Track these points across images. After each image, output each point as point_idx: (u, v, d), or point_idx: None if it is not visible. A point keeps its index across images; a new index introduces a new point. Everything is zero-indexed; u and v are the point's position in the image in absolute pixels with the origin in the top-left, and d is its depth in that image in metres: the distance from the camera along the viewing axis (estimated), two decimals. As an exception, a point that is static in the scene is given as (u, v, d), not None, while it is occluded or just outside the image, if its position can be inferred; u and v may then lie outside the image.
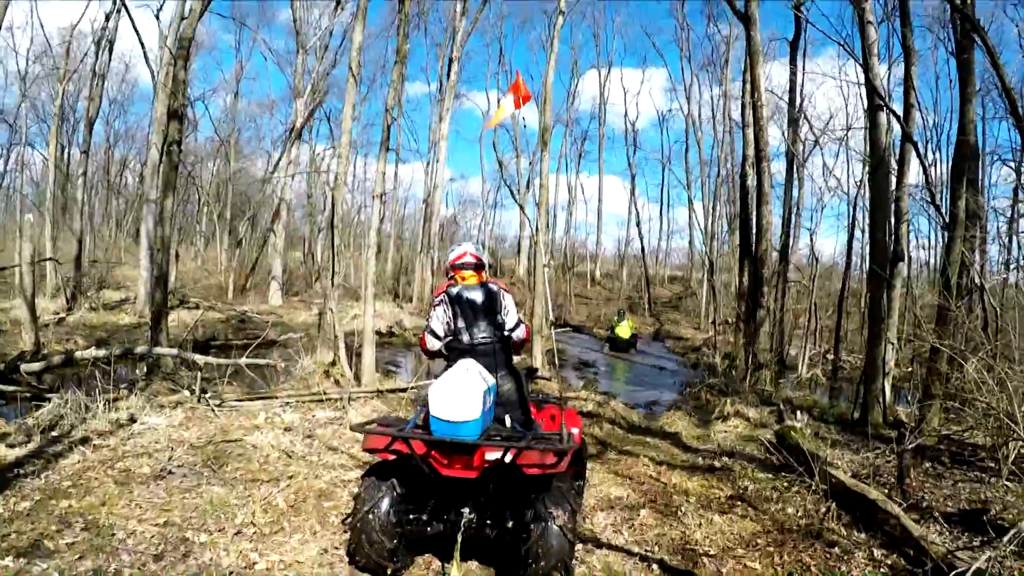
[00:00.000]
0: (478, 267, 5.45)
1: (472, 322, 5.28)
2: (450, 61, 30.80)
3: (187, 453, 7.08)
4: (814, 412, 12.53)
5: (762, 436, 10.13)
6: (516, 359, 5.83)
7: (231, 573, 4.65)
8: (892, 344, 11.90)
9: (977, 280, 10.69)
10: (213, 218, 39.01)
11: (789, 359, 20.32)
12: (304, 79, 28.22)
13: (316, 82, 28.69)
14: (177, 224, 42.53)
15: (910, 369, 14.25)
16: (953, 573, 4.41)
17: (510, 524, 4.68)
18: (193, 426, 8.15)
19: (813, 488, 7.27)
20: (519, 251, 43.27)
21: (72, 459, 6.60)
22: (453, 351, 5.28)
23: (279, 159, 31.70)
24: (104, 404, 8.10)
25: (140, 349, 11.17)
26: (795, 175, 23.41)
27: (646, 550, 5.86)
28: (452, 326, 5.37)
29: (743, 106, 19.58)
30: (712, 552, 5.83)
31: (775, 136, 27.68)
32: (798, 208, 24.53)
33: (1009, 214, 18.92)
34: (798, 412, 10.51)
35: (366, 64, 36.51)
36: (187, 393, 9.36)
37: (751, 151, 16.48)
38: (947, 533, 6.05)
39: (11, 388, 9.24)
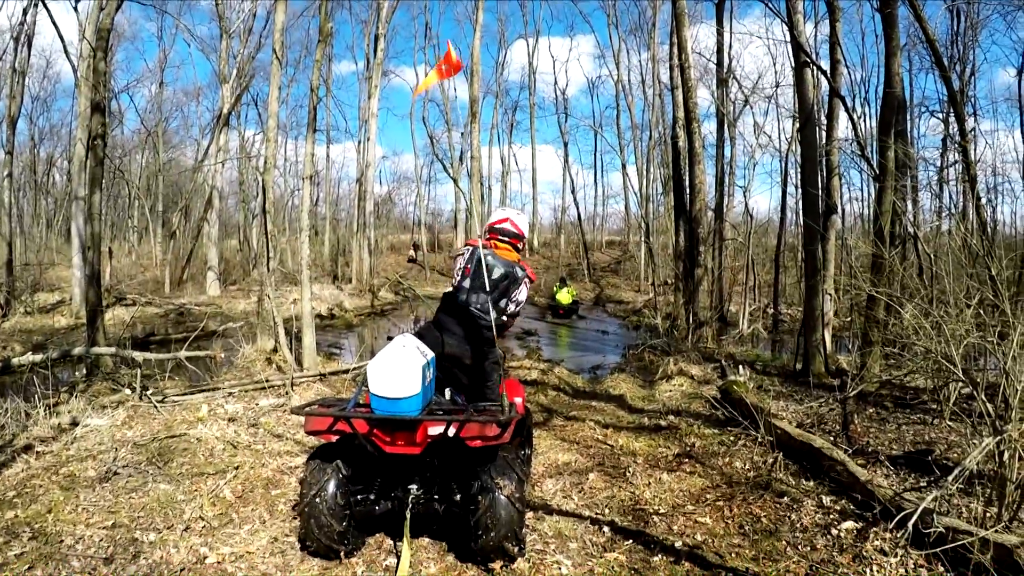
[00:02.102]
0: (516, 238, 5.37)
1: (476, 289, 5.16)
2: (376, 38, 30.18)
3: (131, 452, 6.92)
4: (756, 366, 12.69)
5: (706, 393, 10.17)
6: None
7: (182, 570, 4.55)
8: (830, 295, 12.05)
9: (910, 229, 10.83)
10: (145, 211, 38.01)
11: (730, 316, 20.59)
12: (229, 64, 27.29)
13: (241, 66, 27.86)
14: (109, 220, 41.80)
15: (849, 319, 14.46)
16: (901, 514, 4.38)
17: (458, 497, 4.64)
18: (136, 424, 7.97)
19: (759, 440, 7.29)
20: (455, 225, 42.92)
21: (15, 468, 6.42)
22: (444, 303, 5.25)
23: (208, 147, 30.99)
24: (45, 409, 7.89)
25: (78, 350, 10.76)
26: (726, 134, 23.59)
27: (597, 513, 5.82)
28: (458, 281, 5.26)
29: (671, 69, 19.48)
30: (662, 510, 5.79)
31: (705, 97, 27.86)
32: (731, 167, 24.72)
33: (939, 164, 19.40)
34: (740, 367, 10.58)
35: (291, 46, 35.88)
36: (128, 391, 9.14)
37: (681, 113, 16.43)
38: (894, 476, 6.08)
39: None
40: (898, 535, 4.56)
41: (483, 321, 5.05)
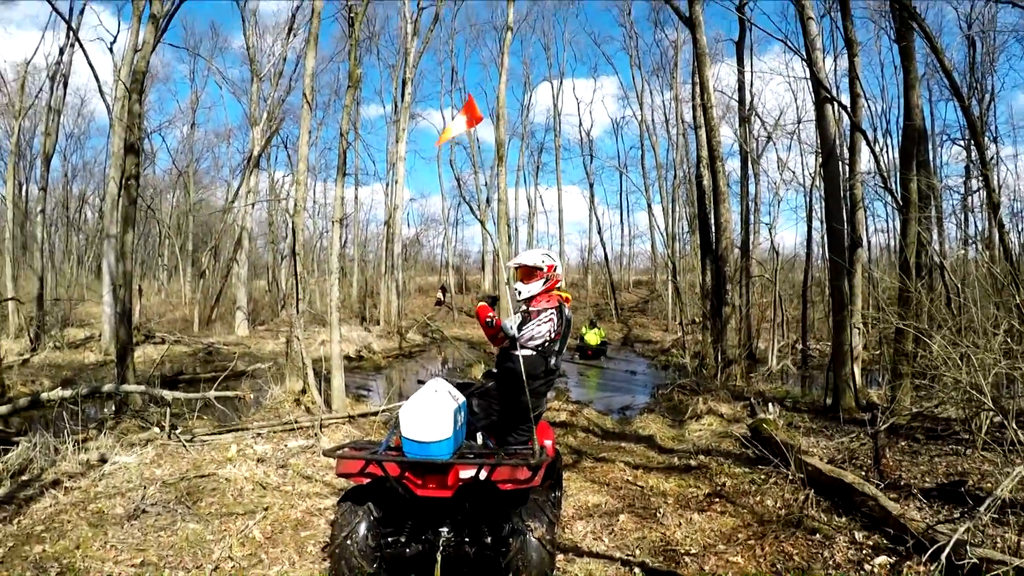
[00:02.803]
0: (556, 278, 5.34)
1: (562, 350, 5.24)
2: (403, 82, 30.69)
3: (160, 491, 6.91)
4: (786, 403, 12.56)
5: (736, 431, 10.07)
6: None
7: None
8: (858, 329, 11.97)
9: (936, 258, 10.79)
10: (175, 250, 38.41)
11: (759, 352, 20.42)
12: (260, 106, 27.91)
13: (272, 109, 28.32)
14: (139, 258, 41.83)
15: (879, 352, 14.33)
16: (934, 547, 4.34)
17: (489, 540, 4.62)
18: (165, 463, 7.98)
19: (790, 478, 7.22)
20: (483, 266, 43.19)
21: (44, 503, 6.44)
22: (522, 363, 4.87)
23: (238, 188, 31.24)
24: (73, 445, 7.92)
25: (107, 387, 10.81)
26: (750, 171, 23.68)
27: (627, 554, 5.79)
28: (548, 344, 5.13)
29: (694, 108, 19.74)
30: (693, 551, 5.76)
31: (728, 135, 27.94)
32: (756, 204, 24.76)
33: (962, 192, 19.27)
34: (770, 404, 10.49)
35: (320, 89, 36.38)
36: (157, 430, 9.15)
37: (705, 152, 16.62)
38: (927, 508, 6.00)
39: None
40: (932, 568, 4.52)
41: (557, 376, 5.16)
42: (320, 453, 8.46)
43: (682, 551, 5.77)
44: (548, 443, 5.50)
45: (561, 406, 13.56)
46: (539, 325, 5.07)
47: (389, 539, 4.70)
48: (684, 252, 32.48)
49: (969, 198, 20.44)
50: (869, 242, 25.87)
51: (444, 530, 4.69)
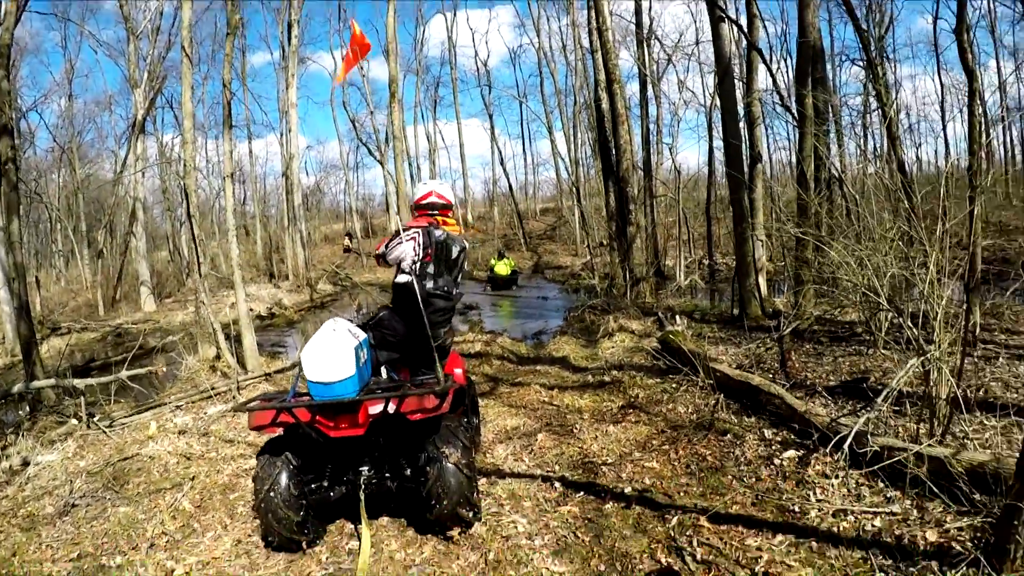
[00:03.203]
0: (447, 208, 5.27)
1: (441, 272, 5.07)
2: (290, 25, 29.37)
3: (86, 482, 6.76)
4: (695, 316, 12.88)
5: (647, 346, 10.28)
6: None
7: None
8: (761, 241, 12.26)
9: (835, 172, 11.08)
10: (69, 234, 35.89)
11: (667, 270, 20.88)
12: (139, 67, 25.79)
13: (152, 68, 26.33)
14: (32, 248, 39.82)
15: (782, 263, 14.77)
16: (837, 438, 4.51)
17: (408, 472, 4.67)
18: (87, 453, 7.81)
19: (700, 384, 7.40)
20: (387, 208, 42.39)
21: None
22: (402, 291, 5.06)
23: (125, 157, 29.58)
24: None
25: (17, 388, 10.23)
26: (650, 93, 23.74)
27: (547, 471, 5.88)
28: (419, 268, 5.05)
29: (590, 32, 19.46)
30: (610, 460, 5.86)
31: (628, 59, 27.90)
32: (658, 125, 24.86)
33: (862, 109, 19.83)
34: (678, 317, 10.71)
35: (202, 41, 34.44)
36: (74, 421, 8.88)
37: (602, 76, 16.43)
38: (831, 404, 6.24)
39: None
40: (837, 458, 4.69)
41: (450, 302, 5.01)
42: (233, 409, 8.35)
43: (599, 462, 5.87)
44: (458, 371, 5.59)
45: (475, 337, 13.56)
46: (400, 244, 5.01)
47: (313, 486, 4.69)
48: (589, 177, 32.65)
49: (868, 116, 21.07)
50: (770, 157, 26.50)
51: (364, 469, 4.73)
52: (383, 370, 4.97)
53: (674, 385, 7.92)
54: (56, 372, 11.99)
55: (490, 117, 43.39)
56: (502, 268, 24.83)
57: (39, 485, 6.91)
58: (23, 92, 34.47)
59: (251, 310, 23.25)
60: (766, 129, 21.95)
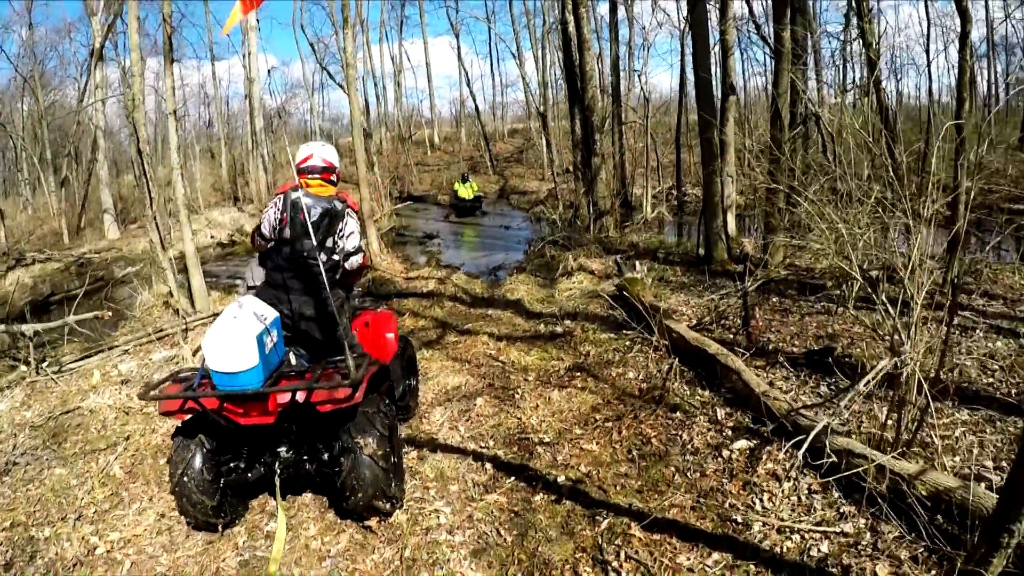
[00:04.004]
0: (327, 171, 4.71)
1: (299, 236, 4.52)
2: (246, -56, 27.40)
3: (30, 436, 6.64)
4: (659, 254, 12.32)
5: (606, 290, 9.71)
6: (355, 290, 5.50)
7: (75, 564, 4.44)
8: (731, 177, 11.61)
9: (812, 108, 10.42)
10: (34, 162, 34.76)
11: (635, 199, 20.16)
12: None
13: None
14: None
15: (753, 197, 14.15)
16: (794, 440, 4.00)
17: (326, 456, 4.43)
18: (35, 402, 7.63)
19: (655, 345, 6.86)
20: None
21: None
22: (270, 262, 4.68)
23: (85, 84, 28.54)
24: None
25: None
26: (621, 15, 22.63)
27: (482, 445, 5.52)
28: (277, 232, 4.62)
29: (557, -52, 18.24)
30: (548, 438, 5.42)
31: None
32: (630, 48, 23.74)
33: (842, 38, 18.93)
34: (637, 263, 10.13)
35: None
36: (24, 368, 8.66)
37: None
38: (793, 379, 5.72)
39: None
40: (790, 456, 4.20)
41: (315, 269, 4.42)
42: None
43: (536, 440, 5.43)
44: (390, 335, 5.39)
45: (431, 272, 13.05)
46: (265, 213, 4.72)
47: (230, 465, 4.50)
48: (558, 100, 31.39)
49: (848, 45, 20.14)
50: (745, 85, 25.61)
51: (282, 450, 4.50)
52: (291, 355, 4.50)
53: (627, 343, 7.37)
54: (16, 313, 12.18)
55: (457, 37, 41.48)
56: (465, 191, 24.05)
57: None
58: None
59: (212, 237, 22.79)
60: (741, 56, 21.06)
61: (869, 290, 4.15)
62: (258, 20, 29.28)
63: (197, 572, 4.23)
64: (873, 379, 3.83)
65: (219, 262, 18.36)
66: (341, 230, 4.61)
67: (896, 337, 3.81)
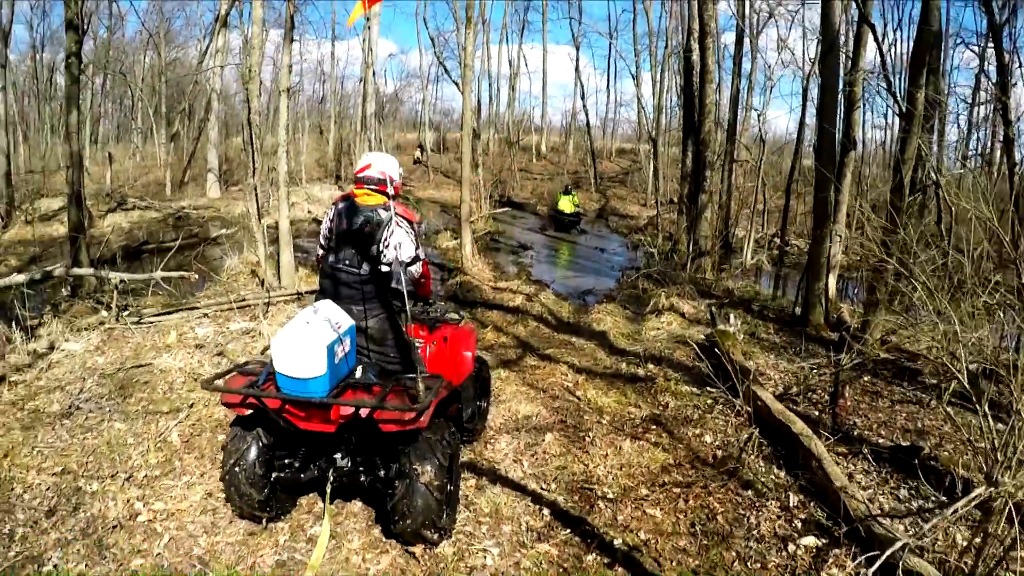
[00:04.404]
0: (382, 183, 4.56)
1: (341, 245, 4.54)
2: (372, -68, 28.05)
3: (97, 384, 6.83)
4: (754, 306, 12.01)
5: (695, 336, 9.49)
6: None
7: (115, 527, 4.52)
8: (839, 236, 11.23)
9: (933, 175, 9.97)
10: (149, 113, 36.70)
11: (736, 241, 19.74)
12: None
13: None
14: (115, 121, 42.82)
15: (859, 259, 13.61)
16: (865, 556, 3.79)
17: (382, 473, 4.40)
18: (109, 349, 7.86)
19: (737, 410, 6.67)
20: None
21: None
22: (321, 270, 4.73)
23: (206, 48, 30.06)
24: (25, 334, 7.89)
25: (58, 271, 10.30)
26: (746, 49, 22.08)
27: (543, 487, 5.40)
28: (327, 240, 4.68)
29: (688, -27, 17.96)
30: (611, 494, 5.29)
31: (726, 10, 26.01)
32: (750, 84, 23.18)
33: (970, 100, 18.06)
34: (731, 316, 9.86)
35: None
36: (105, 313, 9.03)
37: (696, 24, 15.12)
38: (874, 474, 5.46)
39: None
40: (860, 568, 4.00)
41: (351, 275, 4.47)
42: (261, 339, 8.45)
43: (600, 493, 5.30)
44: (467, 354, 5.41)
45: (520, 286, 13.06)
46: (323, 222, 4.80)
47: (285, 462, 4.53)
48: (671, 127, 30.94)
49: (976, 108, 19.21)
50: (864, 139, 24.71)
51: (338, 457, 4.52)
52: (359, 369, 4.44)
53: (709, 402, 7.19)
54: (112, 254, 12.77)
55: (577, 49, 41.53)
56: (566, 205, 24.00)
57: (55, 376, 7.03)
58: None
59: (309, 212, 23.41)
60: (864, 108, 20.36)
61: (970, 390, 3.90)
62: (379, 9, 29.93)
63: (232, 561, 4.25)
64: (963, 508, 3.60)
65: (311, 238, 18.73)
66: (386, 239, 4.44)
67: (993, 461, 3.58)
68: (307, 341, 3.88)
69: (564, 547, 4.54)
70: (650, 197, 28.93)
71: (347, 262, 4.49)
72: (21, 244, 17.32)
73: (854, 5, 11.84)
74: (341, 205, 4.59)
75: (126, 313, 8.99)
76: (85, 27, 14.50)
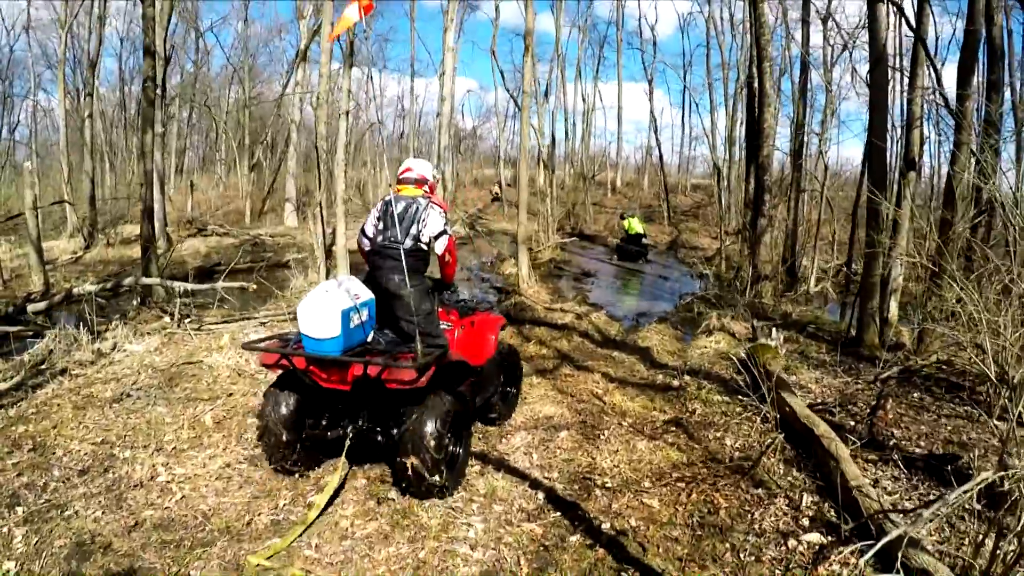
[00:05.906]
0: (419, 182, 5.45)
1: (388, 226, 5.24)
2: (455, -30, 28.66)
3: (150, 376, 7.26)
4: (809, 328, 11.50)
5: (735, 353, 9.15)
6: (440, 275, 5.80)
7: (136, 486, 4.94)
8: (901, 259, 10.69)
9: (998, 195, 9.45)
10: (232, 145, 38.71)
11: (802, 270, 19.11)
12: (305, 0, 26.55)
13: (318, 3, 26.88)
14: (200, 153, 45.69)
15: (921, 282, 12.95)
16: (861, 544, 3.47)
17: (394, 432, 4.82)
18: (167, 350, 8.30)
19: (764, 415, 6.33)
20: (539, 163, 41.87)
21: (46, 389, 6.91)
22: (369, 254, 5.38)
23: (287, 82, 31.54)
24: (93, 336, 8.37)
25: (128, 280, 11.49)
26: (810, 76, 21.58)
27: (544, 475, 5.35)
28: (375, 228, 5.36)
29: (754, 3, 17.74)
30: (611, 484, 5.12)
31: (816, 43, 25.50)
32: (824, 116, 22.57)
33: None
34: (775, 330, 9.48)
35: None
36: (168, 319, 9.61)
37: (755, 51, 14.89)
38: (903, 481, 5.04)
39: (17, 328, 9.57)
40: (859, 564, 3.67)
41: (397, 252, 4.95)
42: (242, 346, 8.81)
43: (599, 482, 5.16)
44: (492, 337, 6.02)
45: (572, 307, 12.90)
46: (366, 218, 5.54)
47: (312, 422, 5.09)
48: (742, 158, 30.32)
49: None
50: (935, 166, 23.80)
51: (357, 417, 5.06)
52: (372, 334, 5.08)
53: (738, 409, 6.88)
54: (185, 273, 13.24)
55: (650, 83, 41.62)
56: (632, 226, 23.64)
57: (114, 371, 7.46)
58: (204, 14, 37.47)
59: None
60: (931, 131, 19.62)
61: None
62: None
63: (233, 517, 4.57)
64: (969, 491, 3.23)
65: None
66: (424, 219, 5.17)
67: (1009, 447, 3.24)
68: (325, 305, 4.56)
69: (550, 528, 4.47)
70: (718, 229, 28.36)
71: (393, 239, 5.11)
72: (101, 263, 18.24)
73: (905, 23, 11.41)
74: (388, 197, 5.36)
75: (188, 320, 9.48)
76: (167, 56, 15.34)
